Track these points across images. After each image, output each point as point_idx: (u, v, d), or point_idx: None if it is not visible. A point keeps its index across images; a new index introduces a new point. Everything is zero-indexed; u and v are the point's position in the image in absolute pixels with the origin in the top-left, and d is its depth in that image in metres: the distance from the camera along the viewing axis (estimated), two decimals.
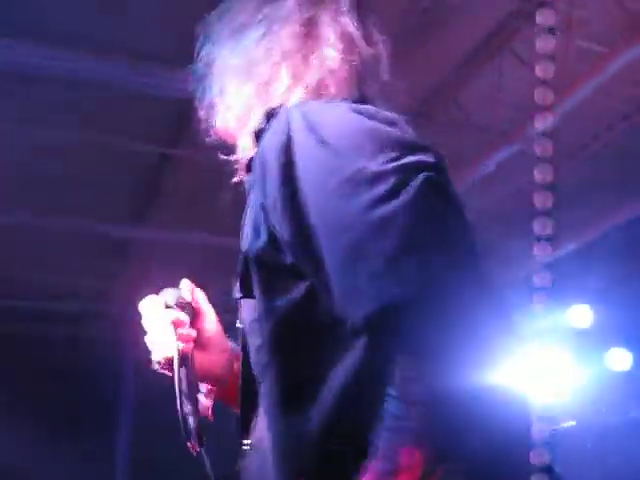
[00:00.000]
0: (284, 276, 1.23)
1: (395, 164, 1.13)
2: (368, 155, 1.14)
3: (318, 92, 1.38)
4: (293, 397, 1.21)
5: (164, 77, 5.05)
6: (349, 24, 1.45)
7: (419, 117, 5.55)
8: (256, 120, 1.37)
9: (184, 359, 1.42)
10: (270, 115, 1.33)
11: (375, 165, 1.12)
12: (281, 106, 1.34)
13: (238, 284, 1.32)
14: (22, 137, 5.86)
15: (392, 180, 1.10)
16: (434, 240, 1.08)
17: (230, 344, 1.59)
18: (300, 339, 1.23)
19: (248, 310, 1.30)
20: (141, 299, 1.49)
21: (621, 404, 8.12)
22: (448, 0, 5.20)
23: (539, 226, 0.86)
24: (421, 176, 1.09)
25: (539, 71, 0.85)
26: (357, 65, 1.42)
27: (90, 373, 7.87)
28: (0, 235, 6.83)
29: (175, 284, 1.54)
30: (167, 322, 1.44)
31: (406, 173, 1.11)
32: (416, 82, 5.71)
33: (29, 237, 7.02)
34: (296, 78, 1.39)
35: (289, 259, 1.21)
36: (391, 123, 1.22)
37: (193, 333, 1.49)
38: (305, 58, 1.41)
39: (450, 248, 1.09)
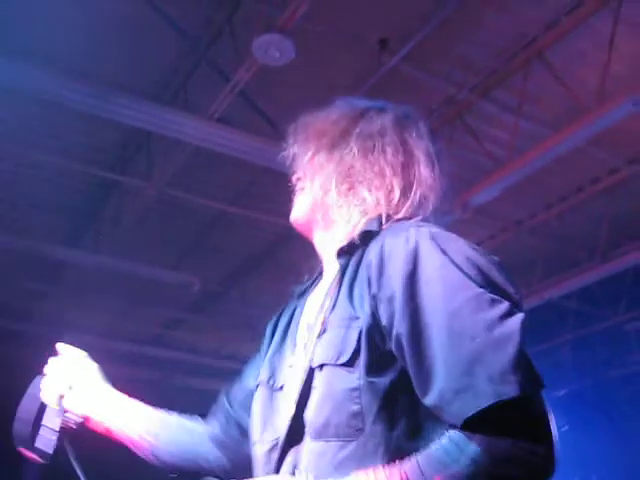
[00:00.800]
0: (383, 358, 1.42)
1: (506, 296, 1.37)
2: (486, 284, 1.37)
3: (420, 207, 1.63)
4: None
5: (123, 104, 5.07)
6: (429, 145, 1.70)
7: None
8: (362, 221, 1.60)
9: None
10: (378, 220, 1.58)
11: (491, 293, 1.35)
12: (396, 217, 1.59)
13: (336, 349, 1.47)
14: None
15: (506, 307, 1.33)
16: (528, 362, 1.29)
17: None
18: (388, 413, 1.42)
19: (340, 377, 1.45)
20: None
21: None
22: (403, 68, 5.38)
23: None
24: (520, 314, 1.33)
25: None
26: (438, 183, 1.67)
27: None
28: None
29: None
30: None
31: (513, 304, 1.35)
32: None
33: None
34: (404, 191, 1.63)
35: (389, 346, 1.41)
36: (494, 263, 1.45)
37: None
38: (408, 174, 1.64)
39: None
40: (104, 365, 1.88)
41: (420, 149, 1.68)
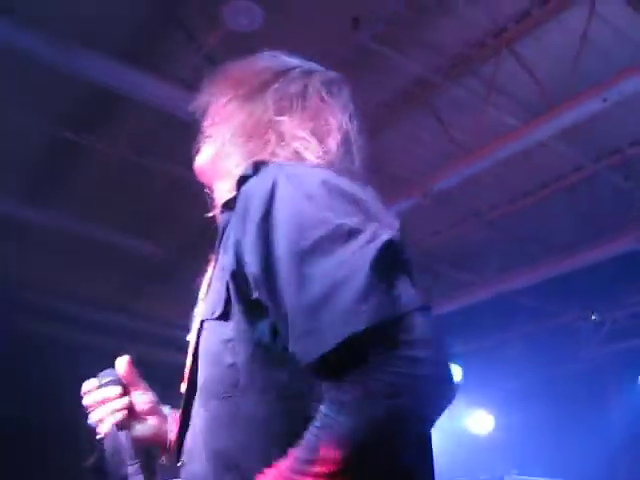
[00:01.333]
0: (254, 307, 1.33)
1: (367, 225, 1.25)
2: (346, 213, 1.27)
3: (302, 158, 1.54)
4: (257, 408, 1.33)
5: (89, 59, 4.99)
6: (348, 121, 1.65)
7: None
8: (242, 168, 1.51)
9: (120, 427, 1.63)
10: (257, 166, 1.46)
11: (351, 221, 1.24)
12: (269, 161, 1.49)
13: (213, 303, 1.43)
14: None
15: (365, 237, 1.22)
16: (386, 286, 1.18)
17: (163, 411, 1.76)
18: (263, 364, 1.33)
19: (218, 329, 1.39)
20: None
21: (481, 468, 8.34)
22: (373, 47, 5.34)
23: None
24: (382, 238, 1.22)
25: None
26: (339, 142, 1.60)
27: None
28: None
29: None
30: (98, 400, 1.66)
31: (376, 230, 1.24)
32: None
33: None
34: (304, 153, 1.55)
35: (255, 294, 1.32)
36: (363, 194, 1.37)
37: (123, 403, 1.67)
38: (318, 142, 1.57)
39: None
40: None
41: (337, 120, 1.62)
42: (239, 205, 1.39)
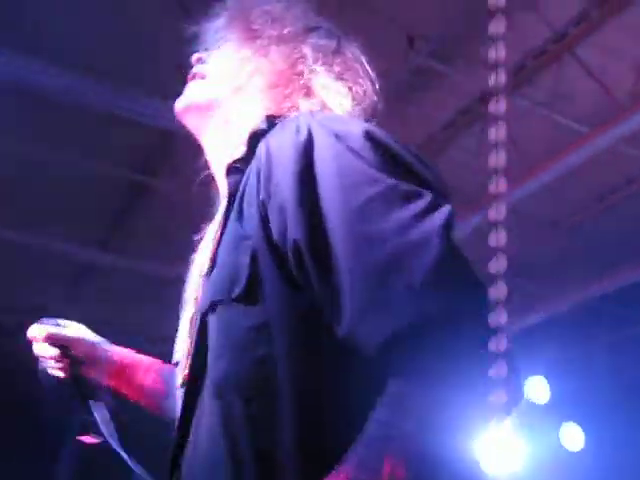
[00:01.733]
0: (294, 283, 1.12)
1: (425, 186, 1.11)
2: (398, 173, 1.11)
3: (328, 110, 1.36)
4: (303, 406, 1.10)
5: (151, 105, 5.04)
6: (357, 58, 1.48)
7: None
8: (252, 120, 1.32)
9: (66, 374, 1.68)
10: (272, 119, 1.29)
11: (406, 185, 1.09)
12: (286, 115, 1.31)
13: (225, 281, 1.17)
14: None
15: (425, 201, 1.07)
16: (461, 269, 1.04)
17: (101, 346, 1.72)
18: (306, 351, 1.11)
19: (240, 313, 1.13)
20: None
21: None
22: (434, 65, 5.27)
23: (495, 291, 0.84)
24: (445, 208, 1.07)
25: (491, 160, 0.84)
26: (373, 105, 1.44)
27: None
28: None
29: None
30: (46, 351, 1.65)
31: (435, 197, 1.09)
32: (401, 136, 5.77)
33: None
34: (309, 92, 1.39)
35: (296, 265, 1.10)
36: (408, 148, 1.19)
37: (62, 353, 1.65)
38: (334, 83, 1.40)
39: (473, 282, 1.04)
40: None
41: (369, 83, 1.44)
42: (259, 163, 1.18)
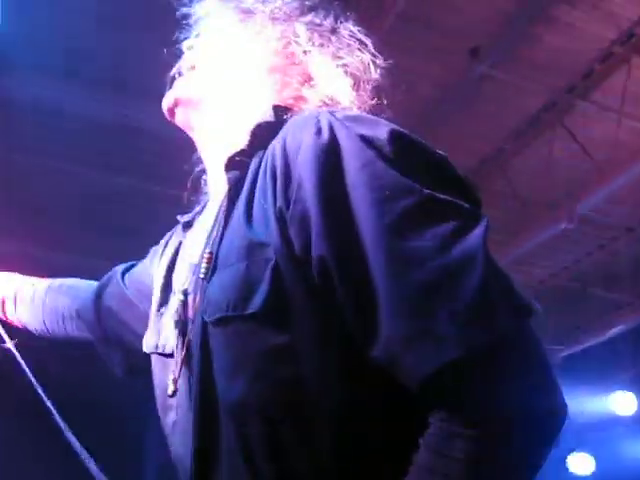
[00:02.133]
0: (323, 300, 1.01)
1: (462, 196, 1.02)
2: (434, 182, 1.01)
3: (336, 102, 1.25)
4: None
5: None
6: (368, 49, 1.35)
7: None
8: (255, 110, 1.23)
9: None
10: (280, 111, 1.20)
11: (442, 194, 1.00)
12: (294, 106, 1.23)
13: (235, 292, 1.05)
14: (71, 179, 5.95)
15: (463, 213, 0.99)
16: (504, 285, 0.96)
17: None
18: (336, 373, 1.02)
19: (257, 331, 1.03)
20: None
21: None
22: (501, 73, 5.22)
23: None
24: (483, 222, 0.98)
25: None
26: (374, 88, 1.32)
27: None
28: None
29: None
30: None
31: (472, 208, 1.01)
32: (467, 148, 5.71)
33: None
34: (309, 78, 1.28)
35: (324, 281, 1.00)
36: (442, 155, 1.08)
37: None
38: (329, 64, 1.29)
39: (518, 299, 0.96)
40: None
41: (370, 67, 1.31)
42: (273, 162, 1.08)
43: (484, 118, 5.62)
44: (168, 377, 1.17)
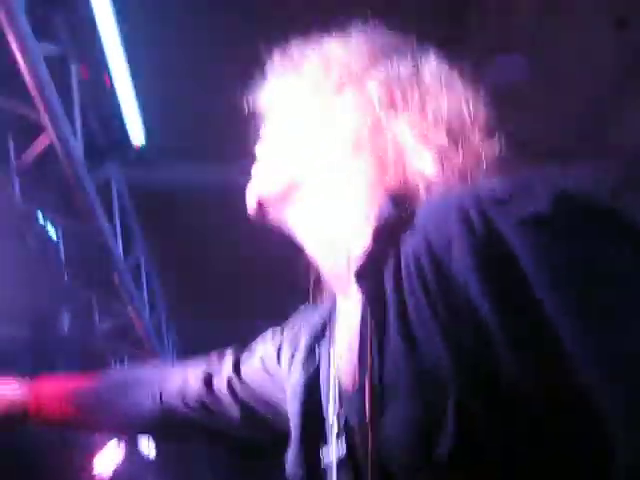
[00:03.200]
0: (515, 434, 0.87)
1: None
2: (619, 242, 0.89)
3: (449, 174, 1.09)
4: None
5: None
6: (483, 107, 1.17)
7: None
8: (362, 202, 1.11)
9: None
10: (399, 202, 1.06)
11: (632, 255, 0.88)
12: (408, 187, 1.08)
13: (416, 439, 0.91)
14: None
15: None
16: None
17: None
18: None
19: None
20: None
21: None
22: None
23: None
24: None
25: None
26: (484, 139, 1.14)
27: None
28: None
29: None
30: None
31: None
32: None
33: None
34: (439, 162, 1.09)
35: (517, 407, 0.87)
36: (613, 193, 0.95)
37: None
38: (448, 142, 1.11)
39: None
40: None
41: (469, 108, 1.13)
42: (415, 267, 0.96)
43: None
44: None
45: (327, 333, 1.21)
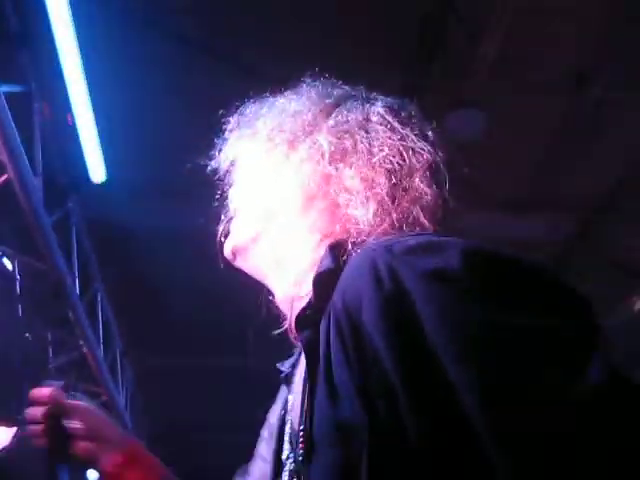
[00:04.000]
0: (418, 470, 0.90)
1: (574, 331, 0.88)
2: (527, 307, 0.89)
3: (405, 225, 1.12)
4: None
5: None
6: (431, 150, 1.18)
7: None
8: (306, 251, 1.15)
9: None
10: (335, 252, 1.08)
11: (543, 324, 0.87)
12: (347, 240, 1.09)
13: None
14: None
15: (578, 353, 0.85)
16: None
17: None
18: None
19: None
20: None
21: None
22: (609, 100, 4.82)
23: None
24: (597, 360, 0.85)
25: None
26: (430, 184, 1.16)
27: None
28: None
29: None
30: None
31: (587, 345, 0.87)
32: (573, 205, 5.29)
33: None
34: (383, 207, 1.12)
35: (422, 454, 0.89)
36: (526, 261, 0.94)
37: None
38: (395, 186, 1.13)
39: None
40: None
41: (417, 154, 1.16)
42: (335, 324, 0.97)
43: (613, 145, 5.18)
44: None
45: (294, 379, 1.23)
